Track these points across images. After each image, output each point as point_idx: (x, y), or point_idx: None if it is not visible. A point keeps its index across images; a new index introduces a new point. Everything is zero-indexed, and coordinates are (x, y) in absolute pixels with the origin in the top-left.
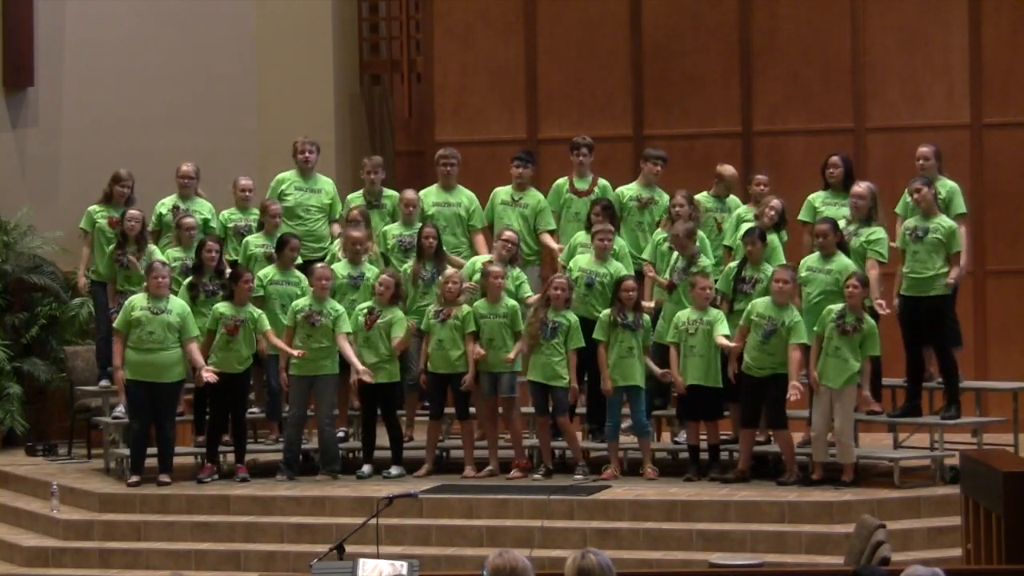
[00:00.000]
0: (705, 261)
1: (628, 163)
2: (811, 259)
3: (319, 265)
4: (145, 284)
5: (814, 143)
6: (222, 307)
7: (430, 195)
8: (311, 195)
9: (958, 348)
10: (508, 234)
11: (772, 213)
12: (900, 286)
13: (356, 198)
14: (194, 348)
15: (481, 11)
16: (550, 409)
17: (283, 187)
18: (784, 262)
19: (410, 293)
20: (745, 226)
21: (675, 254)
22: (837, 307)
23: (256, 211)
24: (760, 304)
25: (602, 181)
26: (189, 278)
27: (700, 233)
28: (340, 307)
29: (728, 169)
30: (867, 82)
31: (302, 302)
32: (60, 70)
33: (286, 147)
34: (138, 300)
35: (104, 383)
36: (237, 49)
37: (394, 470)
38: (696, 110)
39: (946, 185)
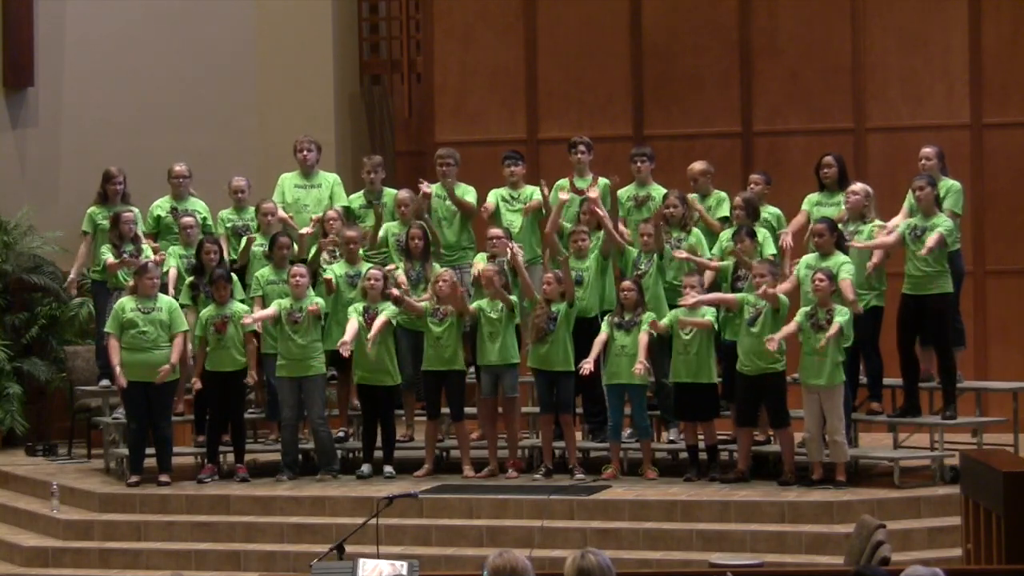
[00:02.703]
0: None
1: (628, 163)
2: (809, 258)
3: (296, 265)
4: (132, 284)
5: (814, 143)
6: (207, 310)
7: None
8: (309, 192)
9: (960, 348)
10: (493, 231)
11: (739, 212)
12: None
13: (356, 198)
14: (179, 342)
15: (481, 11)
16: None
17: (283, 187)
18: (774, 252)
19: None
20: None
21: (641, 254)
22: (807, 307)
23: (253, 210)
24: (752, 296)
25: (603, 180)
26: (190, 278)
27: (696, 230)
28: (318, 298)
29: (695, 167)
30: (867, 82)
31: (284, 302)
32: (60, 70)
33: (286, 147)
34: (127, 302)
35: (104, 383)
36: (237, 49)
37: (385, 470)
38: (696, 110)
39: (946, 184)
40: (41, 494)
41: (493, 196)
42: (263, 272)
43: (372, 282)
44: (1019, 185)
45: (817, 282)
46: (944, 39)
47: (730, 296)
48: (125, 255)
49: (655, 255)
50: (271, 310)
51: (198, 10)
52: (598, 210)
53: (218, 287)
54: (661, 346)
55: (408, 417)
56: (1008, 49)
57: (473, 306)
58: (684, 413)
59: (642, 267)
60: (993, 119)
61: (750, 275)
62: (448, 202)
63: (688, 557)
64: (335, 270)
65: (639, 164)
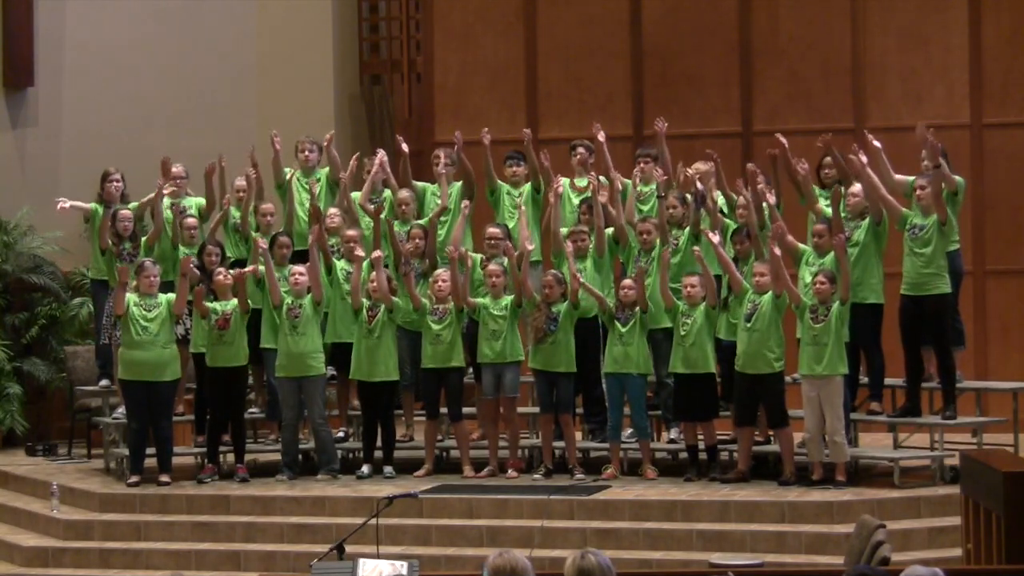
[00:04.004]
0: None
1: (628, 163)
2: (809, 254)
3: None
4: (136, 284)
5: (814, 143)
6: (211, 307)
7: (428, 188)
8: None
9: (960, 348)
10: (491, 230)
11: (741, 212)
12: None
13: (356, 197)
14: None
15: (481, 11)
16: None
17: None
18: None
19: (400, 291)
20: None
21: (637, 250)
22: (808, 302)
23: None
24: (752, 294)
25: (603, 180)
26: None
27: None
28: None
29: (699, 168)
30: (867, 82)
31: (286, 298)
32: (60, 70)
33: (286, 147)
34: (130, 296)
35: (104, 383)
36: (237, 49)
37: (385, 470)
38: (696, 110)
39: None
40: (41, 494)
41: (500, 187)
42: (262, 270)
43: (375, 284)
44: (1019, 185)
45: (819, 284)
46: (944, 39)
47: (738, 274)
48: (124, 254)
49: (656, 248)
50: (274, 275)
51: (198, 10)
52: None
53: (216, 283)
54: (666, 343)
55: (407, 417)
56: (1008, 49)
57: (474, 302)
58: (684, 413)
59: (642, 264)
60: (993, 119)
61: (747, 267)
62: (442, 200)
63: (688, 557)
64: (336, 268)
65: (643, 164)
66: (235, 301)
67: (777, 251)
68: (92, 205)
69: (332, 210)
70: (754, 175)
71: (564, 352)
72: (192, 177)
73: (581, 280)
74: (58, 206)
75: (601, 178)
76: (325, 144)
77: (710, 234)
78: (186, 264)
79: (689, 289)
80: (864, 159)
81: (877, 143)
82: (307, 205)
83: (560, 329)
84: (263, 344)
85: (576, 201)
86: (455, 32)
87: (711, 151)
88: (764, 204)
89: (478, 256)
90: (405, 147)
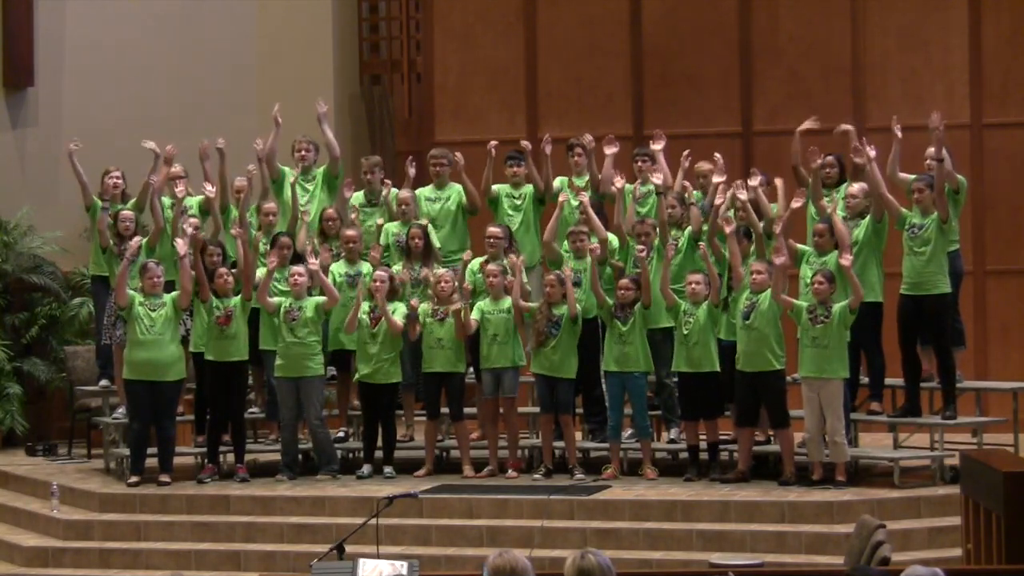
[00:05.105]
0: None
1: (628, 163)
2: (809, 253)
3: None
4: (140, 286)
5: (814, 143)
6: (212, 302)
7: (424, 193)
8: (306, 191)
9: (960, 348)
10: (492, 230)
11: (741, 214)
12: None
13: (357, 198)
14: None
15: (481, 11)
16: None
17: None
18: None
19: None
20: None
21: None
22: (806, 303)
23: (254, 208)
24: (749, 291)
25: (627, 186)
26: None
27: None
28: (317, 297)
29: (702, 167)
30: (867, 82)
31: (285, 300)
32: (60, 70)
33: (286, 147)
34: (135, 295)
35: (104, 383)
36: (237, 49)
37: (385, 470)
38: (696, 110)
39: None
40: (41, 494)
41: (496, 189)
42: (263, 271)
43: (378, 284)
44: (1019, 185)
45: (817, 285)
46: (944, 39)
47: (741, 269)
48: (125, 253)
49: (656, 246)
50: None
51: (198, 10)
52: (585, 201)
53: (218, 284)
54: (664, 343)
55: (408, 417)
56: (1008, 49)
57: (475, 315)
58: (689, 411)
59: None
60: (993, 119)
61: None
62: (438, 204)
63: (688, 557)
64: (335, 269)
65: (640, 164)
66: (236, 299)
67: (779, 261)
68: (96, 200)
69: (329, 211)
70: (754, 175)
71: (565, 358)
72: (192, 177)
73: (596, 251)
74: (71, 145)
75: (585, 189)
76: (320, 115)
77: (728, 226)
78: (180, 246)
79: (693, 286)
80: (872, 153)
81: (899, 132)
82: (303, 202)
83: (562, 334)
84: (262, 346)
85: (576, 202)
86: (455, 32)
87: (717, 157)
88: (776, 204)
89: (479, 259)
90: (412, 172)
